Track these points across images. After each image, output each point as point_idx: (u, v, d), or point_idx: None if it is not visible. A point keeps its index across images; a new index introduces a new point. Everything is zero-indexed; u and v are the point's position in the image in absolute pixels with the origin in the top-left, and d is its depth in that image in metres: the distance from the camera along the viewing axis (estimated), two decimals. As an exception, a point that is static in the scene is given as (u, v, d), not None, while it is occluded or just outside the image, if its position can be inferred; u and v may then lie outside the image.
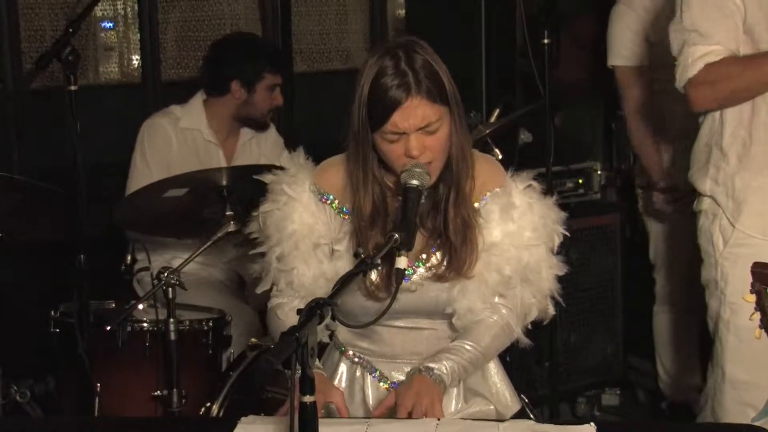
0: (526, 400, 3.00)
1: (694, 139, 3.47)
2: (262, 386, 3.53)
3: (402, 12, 5.44)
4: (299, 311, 2.16)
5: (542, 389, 4.67)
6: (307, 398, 2.10)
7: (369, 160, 2.66)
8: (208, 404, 3.60)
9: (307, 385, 2.09)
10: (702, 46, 3.20)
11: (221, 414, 3.57)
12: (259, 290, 2.87)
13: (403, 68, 2.57)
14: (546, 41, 4.09)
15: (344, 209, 2.75)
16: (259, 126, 4.39)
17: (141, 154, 4.23)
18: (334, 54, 5.31)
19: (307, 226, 2.74)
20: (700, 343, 4.42)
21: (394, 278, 2.45)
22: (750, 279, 3.22)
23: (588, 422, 2.47)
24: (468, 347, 2.70)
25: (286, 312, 2.79)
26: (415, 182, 2.55)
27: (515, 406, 2.89)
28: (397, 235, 2.42)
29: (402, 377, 2.79)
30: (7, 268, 4.02)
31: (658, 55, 4.13)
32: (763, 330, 2.39)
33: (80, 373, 3.61)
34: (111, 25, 5.03)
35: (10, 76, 4.52)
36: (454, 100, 2.64)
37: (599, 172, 4.89)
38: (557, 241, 2.78)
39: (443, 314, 2.76)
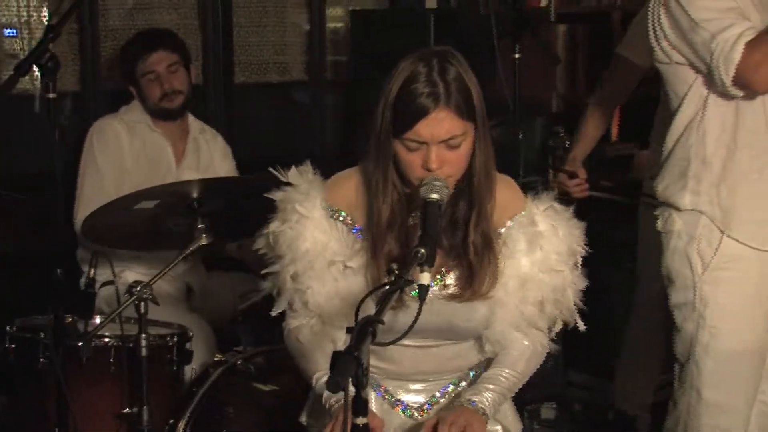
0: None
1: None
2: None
3: (341, 25, 5.39)
4: (349, 329, 2.09)
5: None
6: (360, 420, 2.03)
7: (390, 164, 2.59)
8: (171, 421, 3.52)
9: (361, 406, 2.02)
10: (730, 30, 3.09)
11: (187, 430, 3.50)
12: (275, 312, 2.77)
13: (434, 78, 2.51)
14: (517, 56, 4.07)
15: (357, 227, 2.68)
16: (162, 114, 4.29)
17: (90, 157, 4.14)
18: (272, 66, 5.26)
19: (320, 244, 2.67)
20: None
21: (418, 294, 2.36)
22: (733, 303, 3.31)
23: None
24: (505, 375, 2.68)
25: (305, 334, 2.72)
26: (435, 196, 2.48)
27: (518, 425, 2.85)
28: (423, 250, 2.34)
29: (406, 396, 2.76)
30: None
31: None
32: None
33: (40, 390, 3.47)
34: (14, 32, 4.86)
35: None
36: (481, 117, 2.58)
37: (539, 190, 4.86)
38: (579, 259, 2.75)
39: (454, 335, 2.71)
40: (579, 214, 2.79)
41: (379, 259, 2.62)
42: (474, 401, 2.60)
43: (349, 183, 2.71)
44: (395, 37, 4.62)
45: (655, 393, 4.51)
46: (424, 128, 2.50)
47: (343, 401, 2.03)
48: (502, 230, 2.69)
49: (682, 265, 3.36)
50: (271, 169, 2.76)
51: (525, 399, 4.86)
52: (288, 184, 2.73)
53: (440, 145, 2.52)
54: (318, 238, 2.67)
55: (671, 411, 3.49)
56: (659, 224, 3.43)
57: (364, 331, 2.07)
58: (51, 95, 3.11)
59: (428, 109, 2.50)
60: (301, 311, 2.72)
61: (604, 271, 4.82)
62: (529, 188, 2.85)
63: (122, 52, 4.38)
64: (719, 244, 3.30)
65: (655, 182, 3.45)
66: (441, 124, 2.51)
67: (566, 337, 4.18)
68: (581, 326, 2.79)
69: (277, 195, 2.73)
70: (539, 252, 2.68)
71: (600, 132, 4.45)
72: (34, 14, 4.71)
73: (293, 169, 2.76)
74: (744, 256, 3.30)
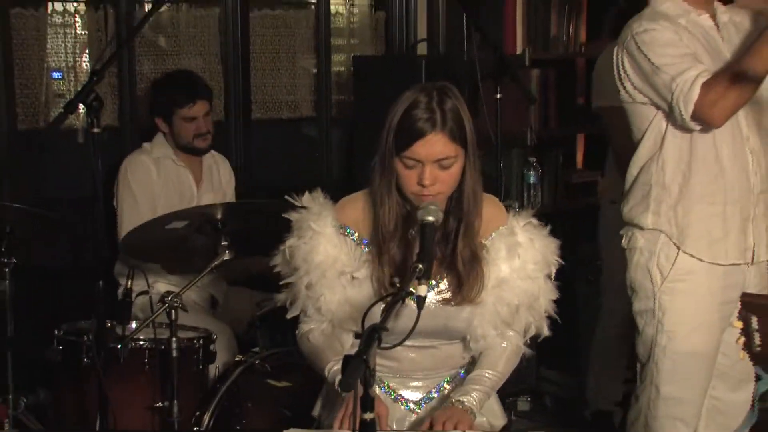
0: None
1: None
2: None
3: (344, 69, 5.36)
4: (357, 335, 2.05)
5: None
6: (368, 415, 1.97)
7: (392, 179, 2.57)
8: (197, 413, 3.48)
9: (369, 403, 1.97)
10: (688, 72, 3.08)
11: (211, 422, 3.45)
12: (290, 316, 2.72)
13: (433, 106, 2.51)
14: (498, 96, 4.04)
15: (363, 241, 2.65)
16: (193, 151, 4.23)
17: (126, 188, 4.07)
18: (284, 105, 5.23)
19: (331, 257, 2.63)
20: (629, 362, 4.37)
21: (416, 304, 2.31)
22: (687, 310, 3.27)
23: (512, 428, 2.44)
24: (488, 375, 2.67)
25: (316, 336, 2.68)
26: (431, 218, 2.45)
27: (503, 420, 2.80)
28: (421, 266, 2.30)
29: (406, 391, 2.73)
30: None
31: None
32: (746, 352, 2.32)
33: (82, 386, 3.45)
34: (60, 74, 4.82)
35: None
36: (472, 145, 2.57)
37: (517, 210, 4.82)
38: (554, 269, 2.73)
39: (449, 336, 2.68)
40: (553, 232, 2.76)
41: (384, 264, 2.60)
42: (463, 401, 2.58)
43: (355, 204, 2.69)
44: (391, 80, 4.57)
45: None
46: (421, 148, 2.50)
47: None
48: (486, 241, 2.68)
49: (644, 277, 3.32)
50: (287, 197, 2.73)
51: (503, 393, 4.80)
52: (302, 207, 2.70)
53: (434, 164, 2.51)
54: (329, 252, 2.64)
55: (633, 404, 3.45)
56: (624, 241, 3.39)
57: (371, 337, 2.02)
58: (95, 130, 3.06)
59: (425, 132, 2.50)
60: (314, 316, 2.67)
61: (573, 282, 4.80)
62: (508, 209, 2.81)
63: (159, 92, 4.27)
64: (676, 258, 3.27)
65: (621, 205, 3.41)
66: (435, 146, 2.50)
67: (539, 338, 4.17)
68: (546, 332, 2.78)
69: (293, 215, 2.70)
70: (517, 260, 2.67)
71: None
72: (78, 59, 4.65)
73: (306, 194, 2.73)
74: (697, 269, 3.26)
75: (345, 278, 2.64)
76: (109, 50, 4.21)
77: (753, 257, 3.31)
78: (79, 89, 3.10)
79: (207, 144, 4.24)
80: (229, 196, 4.39)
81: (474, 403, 2.59)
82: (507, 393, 4.76)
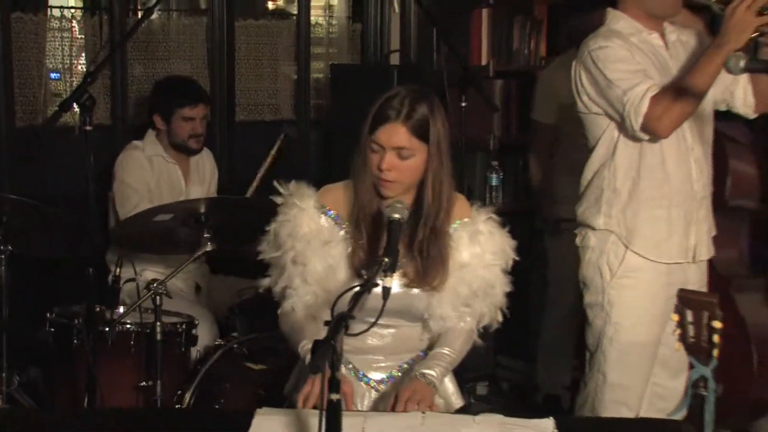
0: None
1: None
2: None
3: (322, 76, 5.35)
4: (327, 323, 2.04)
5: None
6: (334, 396, 1.96)
7: (368, 159, 2.60)
8: (180, 392, 3.47)
9: (335, 385, 1.96)
10: (638, 87, 3.10)
11: (192, 401, 3.43)
12: (277, 289, 2.72)
13: (405, 102, 2.55)
14: (463, 104, 4.04)
15: (342, 222, 2.68)
16: (185, 151, 4.20)
17: (122, 181, 4.03)
18: (266, 108, 5.21)
19: (315, 230, 2.66)
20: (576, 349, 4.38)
21: (382, 294, 2.30)
22: (633, 304, 3.29)
23: (471, 410, 2.43)
24: (446, 352, 2.65)
25: (299, 311, 2.67)
26: (397, 216, 2.46)
27: (459, 401, 2.79)
28: (387, 259, 2.32)
29: (370, 371, 2.74)
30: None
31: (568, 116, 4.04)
32: (681, 343, 2.34)
33: (72, 366, 3.42)
34: (58, 75, 4.78)
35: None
36: (437, 144, 2.59)
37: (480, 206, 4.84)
38: (510, 263, 2.74)
39: (411, 317, 2.68)
40: (511, 229, 2.77)
41: (358, 245, 2.63)
42: (425, 373, 2.57)
43: (336, 189, 2.72)
44: (365, 87, 4.55)
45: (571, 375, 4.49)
46: (383, 134, 2.55)
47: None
48: (450, 229, 2.69)
49: (595, 273, 3.34)
50: (275, 182, 2.75)
51: (463, 378, 4.80)
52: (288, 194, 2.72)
53: (393, 152, 2.55)
54: (313, 226, 2.66)
55: (582, 389, 3.47)
56: (577, 240, 3.41)
57: (338, 324, 2.01)
58: (87, 128, 3.04)
59: (389, 119, 2.55)
60: (300, 289, 2.66)
61: (528, 277, 4.80)
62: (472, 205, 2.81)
63: (164, 91, 4.22)
64: (624, 257, 3.29)
65: (575, 207, 3.42)
66: (395, 135, 2.55)
67: (490, 329, 4.17)
68: (497, 324, 2.78)
69: (278, 199, 2.72)
70: (478, 247, 2.69)
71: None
72: (75, 61, 4.61)
73: (293, 182, 2.74)
74: (643, 267, 3.28)
75: (329, 247, 2.65)
76: (103, 54, 4.20)
77: (694, 257, 3.34)
78: (74, 89, 3.06)
79: (199, 146, 4.22)
80: (213, 187, 4.39)
81: (435, 376, 2.58)
82: (467, 378, 4.78)
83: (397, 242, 2.41)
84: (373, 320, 2.31)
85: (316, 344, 1.94)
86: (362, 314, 2.27)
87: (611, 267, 3.29)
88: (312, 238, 2.64)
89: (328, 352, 1.92)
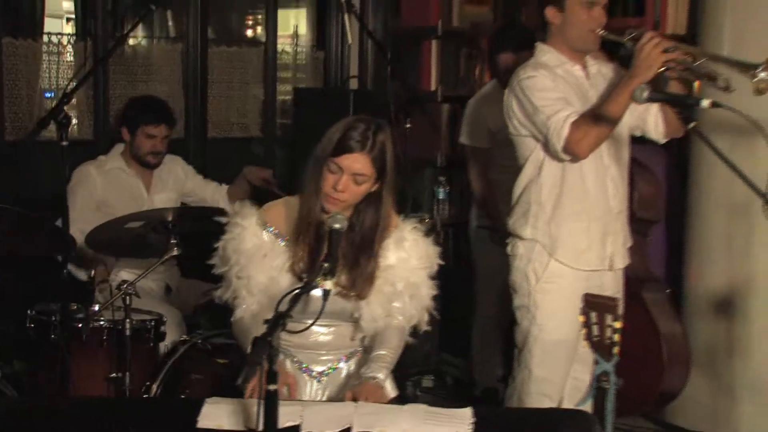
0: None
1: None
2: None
3: (288, 98, 5.41)
4: (266, 321, 2.09)
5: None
6: (271, 386, 2.02)
7: (320, 181, 2.64)
8: (148, 383, 3.48)
9: (272, 376, 2.02)
10: (560, 113, 3.17)
11: (159, 391, 3.45)
12: (224, 299, 2.78)
13: (368, 134, 2.60)
14: (408, 125, 4.10)
15: (281, 236, 2.72)
16: (144, 164, 4.20)
17: (72, 194, 3.92)
18: (236, 126, 5.28)
19: (257, 245, 2.70)
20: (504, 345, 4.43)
21: (322, 296, 2.39)
22: (556, 307, 3.35)
23: (418, 401, 2.46)
24: (385, 353, 2.69)
25: (246, 319, 2.72)
26: (338, 226, 2.51)
27: (393, 392, 2.83)
28: (327, 264, 2.39)
29: (313, 365, 2.79)
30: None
31: (498, 139, 4.11)
32: (587, 341, 2.42)
33: (51, 358, 3.42)
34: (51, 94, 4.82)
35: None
36: (390, 171, 2.66)
37: (427, 220, 4.89)
38: (434, 268, 2.80)
39: (347, 318, 2.75)
40: (456, 238, 2.82)
41: (298, 257, 2.67)
42: (375, 377, 2.61)
43: (276, 207, 2.77)
44: (326, 109, 4.64)
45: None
46: (346, 160, 2.59)
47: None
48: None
49: (522, 279, 3.40)
50: (223, 206, 2.79)
51: (410, 372, 4.88)
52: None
53: (350, 176, 2.60)
54: (255, 242, 2.71)
55: (510, 383, 3.53)
56: (508, 248, 3.46)
57: (276, 322, 2.07)
58: (64, 143, 3.08)
59: (355, 149, 2.59)
60: (246, 299, 2.71)
61: (469, 279, 4.85)
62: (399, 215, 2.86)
63: (133, 107, 4.24)
64: (548, 264, 3.35)
65: (507, 218, 3.48)
66: (357, 163, 2.60)
67: (441, 326, 4.23)
68: (426, 327, 2.83)
69: (223, 219, 2.78)
70: (403, 252, 2.74)
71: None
72: (67, 81, 4.65)
73: (237, 202, 2.81)
74: (565, 273, 3.35)
75: (270, 260, 2.70)
76: (81, 75, 4.19)
77: (611, 265, 3.41)
78: (52, 108, 3.11)
79: (157, 161, 4.22)
80: (189, 187, 4.37)
81: (382, 377, 2.63)
82: (413, 372, 4.84)
83: (337, 249, 2.48)
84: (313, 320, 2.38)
85: (255, 341, 2.00)
86: (305, 315, 2.36)
87: (537, 273, 3.35)
88: (254, 253, 2.69)
89: (265, 347, 1.97)
